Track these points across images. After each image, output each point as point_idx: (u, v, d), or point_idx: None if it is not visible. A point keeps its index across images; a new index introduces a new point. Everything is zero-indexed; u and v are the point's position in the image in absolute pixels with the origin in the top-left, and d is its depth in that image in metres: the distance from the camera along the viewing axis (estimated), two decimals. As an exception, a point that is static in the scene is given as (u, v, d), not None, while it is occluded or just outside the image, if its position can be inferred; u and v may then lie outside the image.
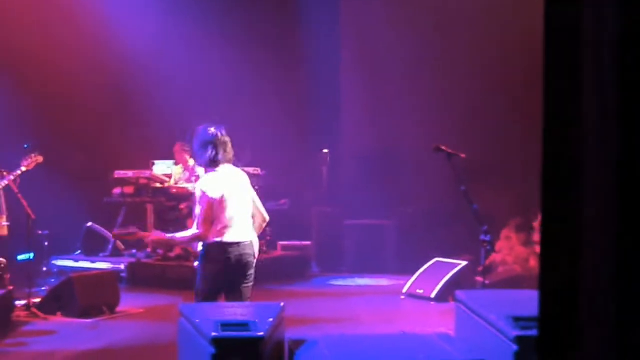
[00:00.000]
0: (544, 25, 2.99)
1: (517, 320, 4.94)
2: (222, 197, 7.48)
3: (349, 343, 5.60)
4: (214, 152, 7.51)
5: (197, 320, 5.09)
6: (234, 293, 7.45)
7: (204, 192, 7.41)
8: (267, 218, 7.92)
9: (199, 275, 7.50)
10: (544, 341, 3.06)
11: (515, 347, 4.84)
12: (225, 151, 7.58)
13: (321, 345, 5.19)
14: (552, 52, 2.99)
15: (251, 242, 7.58)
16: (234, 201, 7.56)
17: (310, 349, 5.16)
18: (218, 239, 7.41)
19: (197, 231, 7.40)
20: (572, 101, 2.94)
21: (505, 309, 5.12)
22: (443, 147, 8.22)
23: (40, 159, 10.96)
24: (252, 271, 7.51)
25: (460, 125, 14.89)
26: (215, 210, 7.44)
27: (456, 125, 14.82)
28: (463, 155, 8.29)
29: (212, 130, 7.57)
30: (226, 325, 4.87)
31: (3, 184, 10.85)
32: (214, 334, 4.78)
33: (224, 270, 7.37)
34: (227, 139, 7.66)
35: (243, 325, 4.88)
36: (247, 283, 7.47)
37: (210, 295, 7.46)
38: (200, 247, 7.55)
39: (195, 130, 7.68)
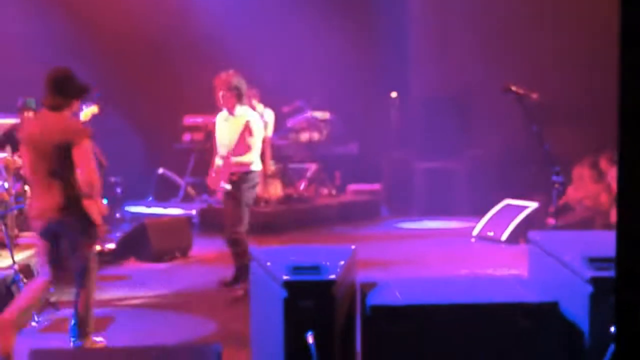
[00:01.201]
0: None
1: (593, 260, 4.86)
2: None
3: (422, 285, 5.57)
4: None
5: (269, 264, 5.09)
6: None
7: (259, 126, 9.22)
8: None
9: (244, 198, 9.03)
10: (622, 282, 3.00)
11: (590, 288, 4.76)
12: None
13: (393, 287, 5.18)
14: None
15: None
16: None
17: (382, 291, 5.14)
18: (258, 167, 9.20)
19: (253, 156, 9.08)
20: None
21: (580, 250, 5.04)
22: (513, 88, 8.03)
23: (96, 109, 10.79)
24: None
25: (530, 66, 14.66)
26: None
27: (526, 66, 14.60)
28: (534, 96, 8.08)
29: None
30: (298, 269, 4.86)
31: None
32: (285, 277, 4.78)
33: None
34: None
35: (315, 269, 4.86)
36: None
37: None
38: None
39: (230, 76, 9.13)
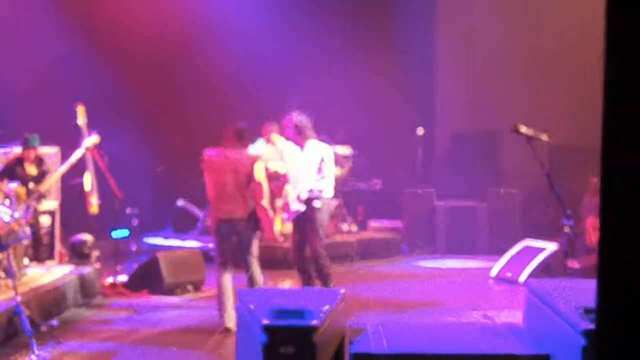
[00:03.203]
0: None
1: (588, 312, 4.66)
2: None
3: (412, 332, 5.41)
4: None
5: (252, 306, 4.94)
6: None
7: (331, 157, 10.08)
8: None
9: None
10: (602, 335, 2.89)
11: (583, 341, 4.55)
12: None
13: (381, 334, 5.02)
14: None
15: None
16: None
17: (370, 338, 5.00)
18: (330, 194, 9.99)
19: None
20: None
21: (576, 300, 4.86)
22: (522, 130, 7.80)
23: (97, 139, 10.62)
24: None
25: (558, 106, 14.53)
26: None
27: (553, 106, 14.47)
28: (544, 137, 7.85)
29: None
30: (280, 313, 4.70)
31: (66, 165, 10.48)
32: (265, 321, 4.63)
33: None
34: None
35: (297, 313, 4.69)
36: None
37: None
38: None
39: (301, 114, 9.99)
